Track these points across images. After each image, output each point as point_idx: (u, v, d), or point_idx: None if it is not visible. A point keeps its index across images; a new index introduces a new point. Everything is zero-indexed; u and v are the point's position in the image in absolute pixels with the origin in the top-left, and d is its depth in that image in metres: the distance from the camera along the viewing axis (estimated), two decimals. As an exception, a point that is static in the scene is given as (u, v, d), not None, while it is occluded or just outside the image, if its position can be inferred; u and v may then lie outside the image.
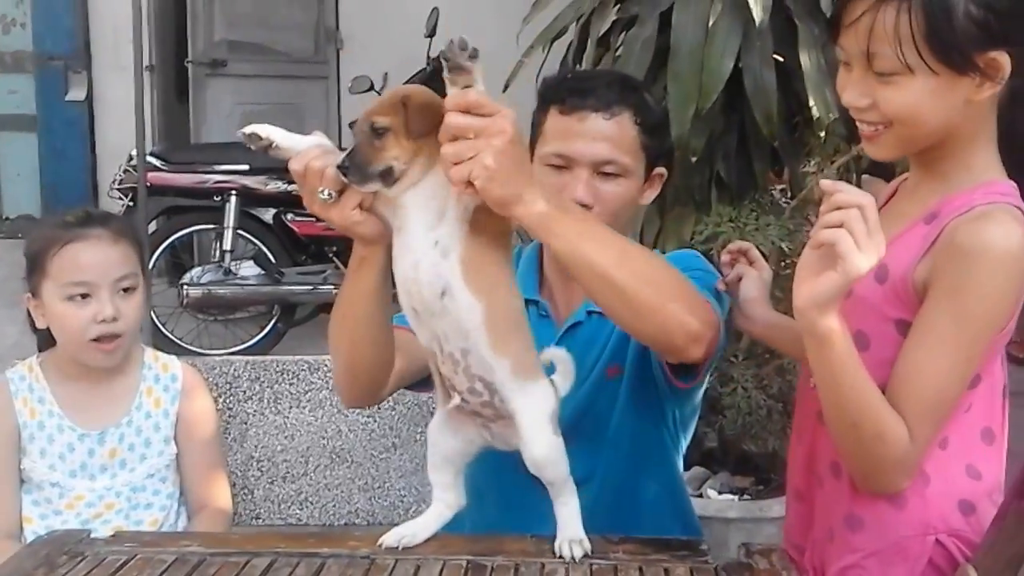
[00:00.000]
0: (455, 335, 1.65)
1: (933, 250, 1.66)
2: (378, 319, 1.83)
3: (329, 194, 1.63)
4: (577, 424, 2.05)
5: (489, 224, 1.62)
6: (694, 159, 3.55)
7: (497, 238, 1.66)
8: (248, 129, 1.65)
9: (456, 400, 1.72)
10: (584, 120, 2.05)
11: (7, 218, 8.71)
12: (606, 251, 1.67)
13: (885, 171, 3.67)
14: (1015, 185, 1.70)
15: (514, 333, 1.70)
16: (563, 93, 2.10)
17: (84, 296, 2.28)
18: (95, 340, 2.29)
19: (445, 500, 1.81)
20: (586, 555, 1.72)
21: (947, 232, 1.65)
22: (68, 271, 2.29)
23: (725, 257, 2.13)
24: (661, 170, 2.20)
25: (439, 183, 1.60)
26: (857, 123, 1.76)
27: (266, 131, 1.66)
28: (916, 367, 1.65)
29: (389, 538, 1.77)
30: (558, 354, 1.82)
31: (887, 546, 1.76)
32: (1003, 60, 1.63)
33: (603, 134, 2.06)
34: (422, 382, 2.01)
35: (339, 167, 1.60)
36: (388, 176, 1.60)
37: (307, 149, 1.66)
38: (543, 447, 1.70)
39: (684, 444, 2.30)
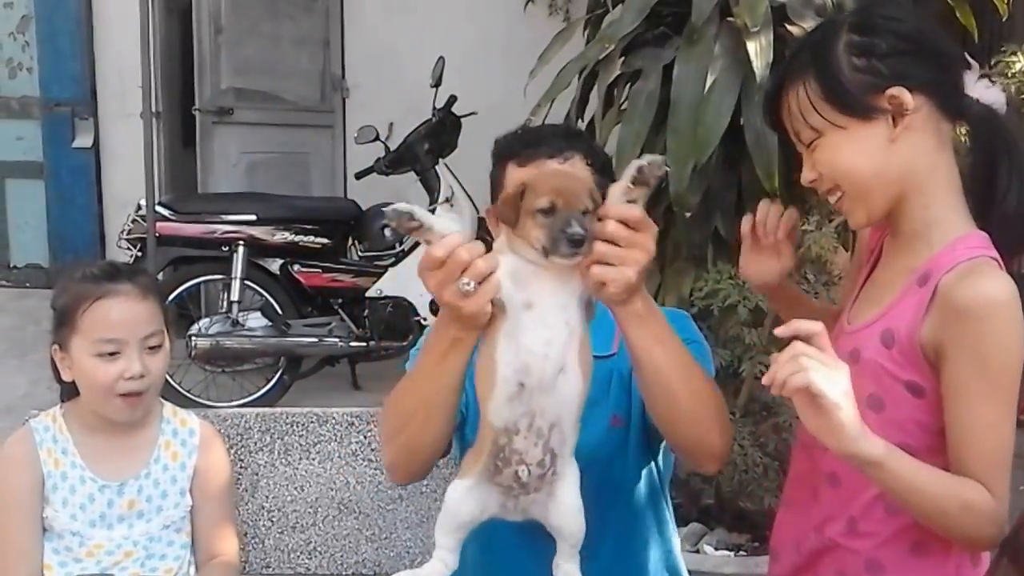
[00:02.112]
0: (552, 410, 1.74)
1: (932, 310, 1.76)
2: (457, 400, 1.89)
3: (473, 286, 1.67)
4: (588, 467, 2.16)
5: (586, 308, 1.75)
6: (688, 215, 3.61)
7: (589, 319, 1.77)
8: (401, 207, 1.69)
9: (524, 475, 1.76)
10: (541, 168, 2.14)
11: (14, 267, 8.65)
12: (677, 360, 1.82)
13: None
14: (986, 235, 1.82)
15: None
16: (516, 147, 2.20)
17: (113, 353, 2.34)
18: (121, 395, 2.36)
19: (445, 561, 1.84)
20: None
21: (941, 292, 1.75)
22: (99, 328, 2.34)
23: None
24: None
25: (571, 267, 1.70)
26: (825, 198, 1.92)
27: (420, 213, 1.70)
28: (969, 430, 1.75)
29: None
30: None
31: None
32: (903, 95, 1.78)
33: None
34: None
35: (573, 236, 1.64)
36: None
37: (452, 235, 1.69)
38: (580, 514, 1.82)
39: (667, 483, 2.37)
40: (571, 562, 1.85)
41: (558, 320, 1.71)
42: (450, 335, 1.79)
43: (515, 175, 2.19)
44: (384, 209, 1.71)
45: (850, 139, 1.80)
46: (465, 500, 1.82)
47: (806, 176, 1.90)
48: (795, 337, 1.68)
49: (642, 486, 2.25)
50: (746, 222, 2.14)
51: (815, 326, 1.69)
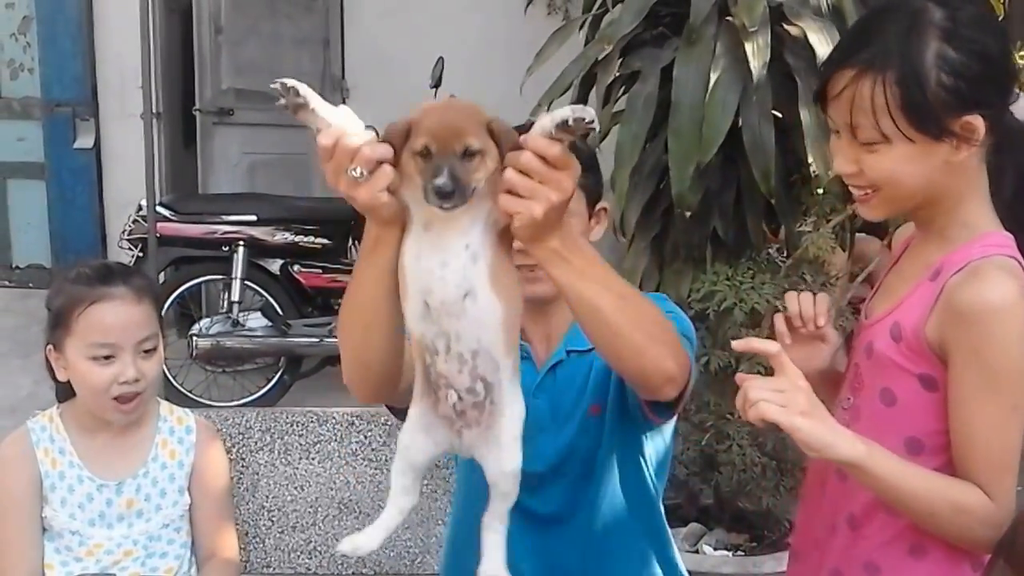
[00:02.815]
0: (469, 335, 1.67)
1: (937, 307, 1.76)
2: (392, 301, 1.78)
3: (361, 172, 1.61)
4: (562, 464, 2.16)
5: (509, 234, 1.67)
6: (688, 214, 3.62)
7: (512, 246, 1.70)
8: (289, 82, 1.61)
9: (452, 399, 1.71)
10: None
11: (16, 267, 8.65)
12: (606, 293, 1.74)
13: (879, 230, 3.77)
14: (1011, 236, 1.80)
15: (517, 337, 1.74)
16: None
17: (107, 357, 2.35)
18: (115, 398, 2.36)
19: (399, 505, 1.81)
20: None
21: (946, 292, 1.74)
22: (93, 332, 2.34)
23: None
24: (605, 204, 2.29)
25: (481, 193, 1.63)
26: (849, 187, 1.87)
27: (304, 90, 1.62)
28: (971, 433, 1.74)
29: (344, 546, 1.81)
30: None
31: None
32: (977, 123, 1.72)
33: None
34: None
35: (440, 189, 1.56)
36: (471, 194, 1.61)
37: (339, 124, 1.63)
38: (517, 458, 1.74)
39: (662, 489, 2.35)
40: (495, 528, 1.78)
41: (456, 243, 1.64)
42: (371, 234, 1.74)
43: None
44: (274, 83, 1.62)
45: (916, 154, 1.74)
46: (416, 431, 1.78)
47: (845, 168, 1.82)
48: (751, 351, 1.74)
49: (624, 471, 2.24)
50: (779, 321, 2.06)
51: (770, 346, 1.73)
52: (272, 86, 1.62)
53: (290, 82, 1.60)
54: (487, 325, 1.67)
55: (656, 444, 2.30)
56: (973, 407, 1.73)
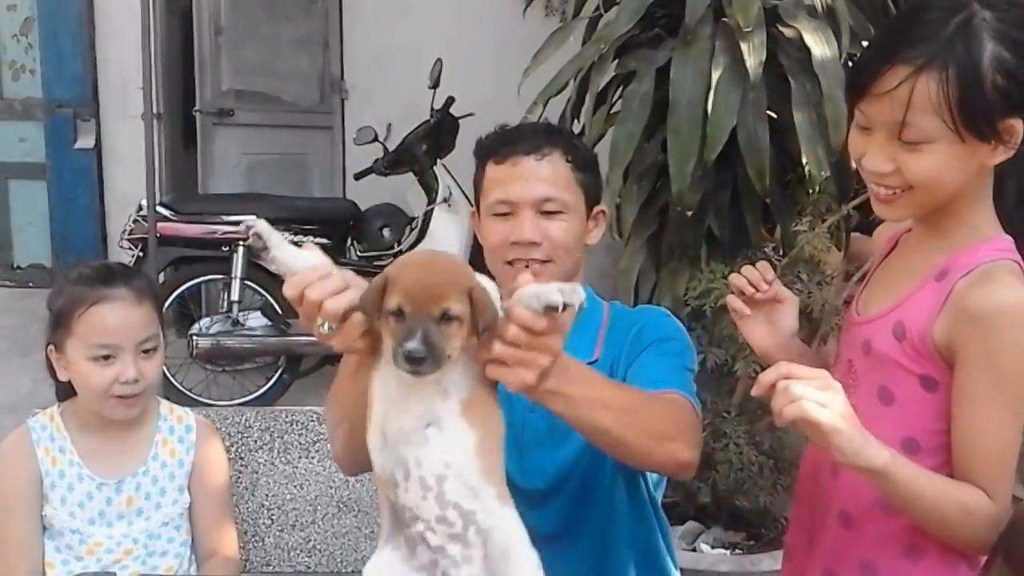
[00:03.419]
0: (434, 462, 1.57)
1: (946, 309, 1.75)
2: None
3: (329, 327, 1.57)
4: (563, 482, 2.15)
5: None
6: (689, 213, 3.63)
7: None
8: (252, 224, 1.60)
9: (428, 533, 1.59)
10: (518, 164, 2.16)
11: (18, 267, 8.66)
12: (607, 412, 1.72)
13: (873, 229, 3.78)
14: (1011, 240, 1.80)
15: (500, 463, 1.63)
16: (495, 146, 2.21)
17: (108, 357, 2.35)
18: (116, 397, 2.37)
19: None
20: None
21: (956, 294, 1.74)
22: (94, 333, 2.35)
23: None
24: (603, 207, 2.29)
25: (455, 359, 1.55)
26: (873, 186, 1.82)
27: (267, 233, 1.61)
28: (975, 435, 1.74)
29: None
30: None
31: None
32: (1018, 126, 1.71)
33: (537, 174, 2.16)
34: None
35: (410, 354, 1.47)
36: (445, 361, 1.52)
37: (303, 273, 1.58)
38: (536, 566, 1.62)
39: (659, 496, 2.35)
40: None
41: (423, 383, 1.55)
42: (353, 360, 1.73)
43: (494, 174, 2.20)
44: (245, 220, 1.61)
45: (960, 154, 1.72)
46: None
47: (882, 167, 1.77)
48: (765, 392, 1.67)
49: (621, 487, 2.23)
50: (733, 300, 2.08)
51: (780, 369, 1.67)
52: (238, 228, 1.58)
53: (253, 225, 1.58)
54: (454, 451, 1.58)
55: None
56: (979, 408, 1.73)
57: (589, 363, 2.06)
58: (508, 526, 1.61)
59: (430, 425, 1.56)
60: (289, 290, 1.58)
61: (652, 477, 2.28)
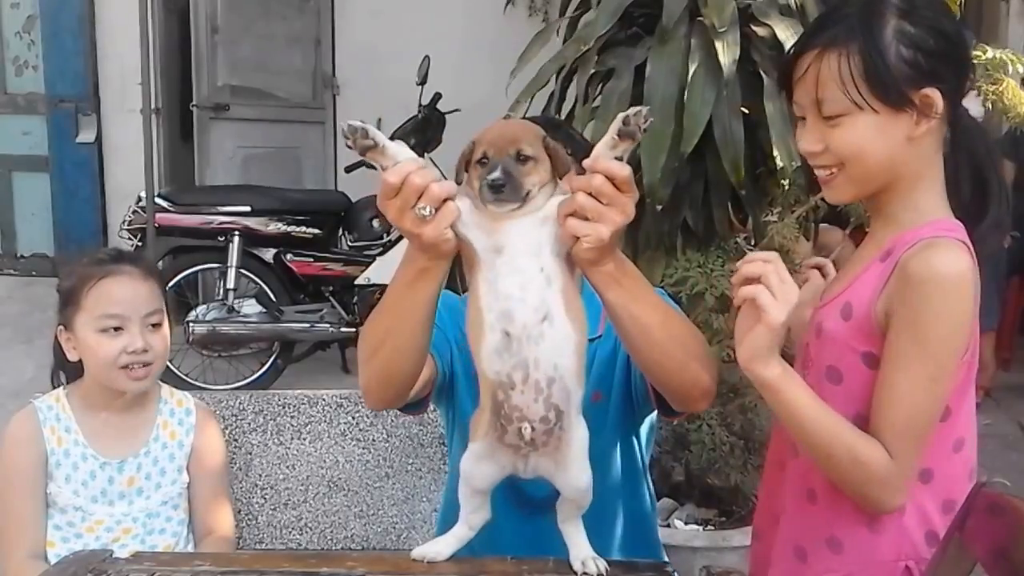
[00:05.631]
0: (547, 363, 1.66)
1: (889, 284, 1.74)
2: (427, 330, 1.82)
3: (429, 210, 1.62)
4: None
5: (571, 261, 1.69)
6: (660, 207, 3.63)
7: (575, 277, 1.72)
8: (357, 123, 1.61)
9: (527, 432, 1.70)
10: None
11: (21, 256, 8.69)
12: (654, 312, 1.77)
13: (841, 220, 3.79)
14: (960, 224, 1.79)
15: (584, 366, 1.74)
16: None
17: (116, 328, 2.37)
18: (125, 367, 2.38)
19: (469, 522, 1.83)
20: (606, 570, 1.78)
21: (899, 265, 1.73)
22: (103, 304, 2.37)
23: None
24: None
25: (546, 216, 1.65)
26: (814, 169, 1.85)
27: (373, 132, 1.63)
28: (888, 392, 1.72)
29: (417, 552, 1.83)
30: None
31: (864, 567, 1.83)
32: (935, 96, 1.74)
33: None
34: (417, 404, 2.07)
35: (493, 184, 1.61)
36: (526, 199, 1.64)
37: (406, 162, 1.64)
38: (587, 474, 1.77)
39: (648, 458, 2.35)
40: (574, 523, 1.82)
41: (530, 264, 1.65)
42: (417, 265, 1.73)
43: None
44: (343, 125, 1.63)
45: (878, 125, 1.75)
46: (477, 466, 1.78)
47: (810, 146, 1.82)
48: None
49: (618, 460, 2.23)
50: (815, 275, 2.13)
51: (771, 254, 1.74)
52: (342, 127, 1.63)
53: (359, 124, 1.62)
54: (563, 351, 1.67)
55: (650, 418, 2.30)
56: (898, 368, 1.72)
57: (593, 339, 2.07)
58: (581, 432, 1.76)
59: (545, 319, 1.65)
60: (392, 176, 1.62)
61: (644, 436, 2.29)
